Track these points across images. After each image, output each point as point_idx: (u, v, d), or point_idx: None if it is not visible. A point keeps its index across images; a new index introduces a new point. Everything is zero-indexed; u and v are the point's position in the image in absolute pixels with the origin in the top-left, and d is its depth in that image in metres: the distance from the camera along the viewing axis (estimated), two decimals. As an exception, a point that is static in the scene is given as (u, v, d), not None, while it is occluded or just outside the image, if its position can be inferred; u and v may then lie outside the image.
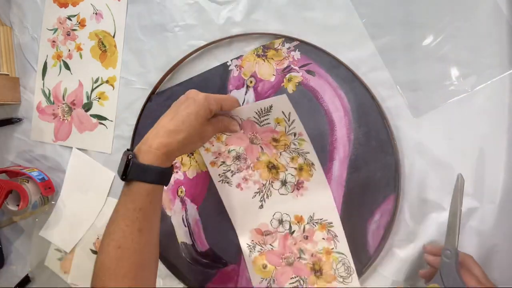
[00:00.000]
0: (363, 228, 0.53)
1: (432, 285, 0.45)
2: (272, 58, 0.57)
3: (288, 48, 0.56)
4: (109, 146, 0.68)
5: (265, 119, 0.52)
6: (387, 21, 0.53)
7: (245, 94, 0.59)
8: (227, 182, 0.57)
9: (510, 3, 0.48)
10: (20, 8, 0.72)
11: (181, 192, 0.62)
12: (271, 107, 0.51)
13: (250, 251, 0.57)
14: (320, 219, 0.55)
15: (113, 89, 0.67)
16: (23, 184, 0.67)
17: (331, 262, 0.55)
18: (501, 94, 0.49)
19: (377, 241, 0.53)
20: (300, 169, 0.55)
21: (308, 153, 0.54)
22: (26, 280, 0.74)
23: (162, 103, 0.62)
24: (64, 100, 0.70)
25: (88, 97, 0.69)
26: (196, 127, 0.47)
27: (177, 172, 0.62)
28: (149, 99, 0.64)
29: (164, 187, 0.48)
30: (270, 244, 0.57)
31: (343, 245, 0.54)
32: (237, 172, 0.57)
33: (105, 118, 0.68)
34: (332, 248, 0.54)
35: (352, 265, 0.53)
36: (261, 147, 0.56)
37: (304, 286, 0.55)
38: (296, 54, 0.56)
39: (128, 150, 0.47)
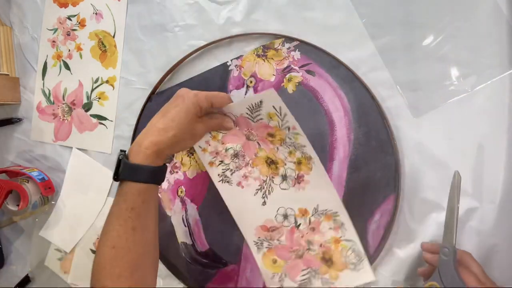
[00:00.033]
0: (363, 228, 0.53)
1: (430, 283, 0.45)
2: (272, 58, 0.57)
3: (288, 48, 0.56)
4: (109, 146, 0.68)
5: (257, 115, 0.52)
6: (387, 21, 0.53)
7: (245, 94, 0.59)
8: (228, 182, 0.57)
9: (510, 3, 0.48)
10: (20, 8, 0.72)
11: (181, 192, 0.62)
12: (261, 102, 0.50)
13: (258, 248, 0.57)
14: (325, 210, 0.54)
15: (113, 89, 0.67)
16: (23, 184, 0.67)
17: (340, 251, 0.54)
18: (501, 94, 0.49)
19: (377, 241, 0.53)
20: (299, 163, 0.54)
21: (305, 146, 0.53)
22: (26, 280, 0.74)
23: (162, 103, 0.61)
24: (64, 100, 0.70)
25: (88, 97, 0.69)
26: (186, 124, 0.47)
27: (177, 172, 0.62)
28: (149, 99, 0.64)
29: (162, 186, 0.48)
30: (278, 239, 0.56)
31: (351, 232, 0.53)
32: (237, 170, 0.57)
33: (105, 118, 0.68)
34: (340, 237, 0.54)
35: (362, 250, 0.53)
36: (258, 143, 0.55)
37: (317, 277, 0.55)
38: (296, 54, 0.56)
39: (121, 150, 0.47)
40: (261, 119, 0.52)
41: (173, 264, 0.63)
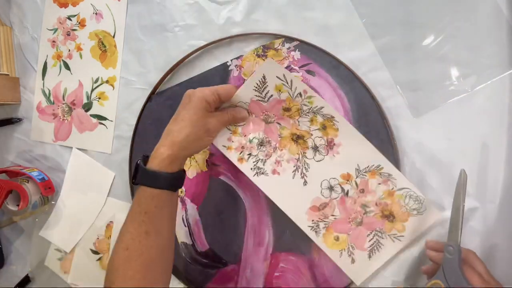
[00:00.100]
0: (363, 228, 0.53)
1: (434, 281, 0.45)
2: (272, 58, 0.57)
3: (288, 48, 0.56)
4: (109, 146, 0.68)
5: (266, 92, 0.52)
6: (387, 21, 0.53)
7: (245, 94, 0.59)
8: (263, 173, 0.55)
9: (510, 3, 0.48)
10: (20, 8, 0.72)
11: (181, 192, 0.62)
12: (264, 77, 0.50)
13: (316, 232, 0.54)
14: (367, 167, 0.52)
15: (113, 89, 0.67)
16: (23, 184, 0.67)
17: (398, 202, 0.52)
18: (501, 94, 0.49)
19: (377, 241, 0.53)
20: (323, 128, 0.53)
21: (323, 107, 0.51)
22: (26, 280, 0.74)
23: (162, 103, 0.62)
24: (64, 100, 0.70)
25: (88, 97, 0.69)
26: (197, 121, 0.47)
27: (177, 172, 0.62)
28: (149, 99, 0.64)
29: (178, 191, 0.49)
30: (332, 215, 0.54)
31: (401, 180, 0.52)
32: (267, 159, 0.55)
33: (105, 118, 0.68)
34: (392, 188, 0.52)
35: (419, 193, 0.51)
36: (277, 123, 0.54)
37: (384, 236, 0.52)
38: (296, 54, 0.56)
39: (143, 155, 0.48)
40: (271, 96, 0.52)
41: (173, 264, 0.63)
